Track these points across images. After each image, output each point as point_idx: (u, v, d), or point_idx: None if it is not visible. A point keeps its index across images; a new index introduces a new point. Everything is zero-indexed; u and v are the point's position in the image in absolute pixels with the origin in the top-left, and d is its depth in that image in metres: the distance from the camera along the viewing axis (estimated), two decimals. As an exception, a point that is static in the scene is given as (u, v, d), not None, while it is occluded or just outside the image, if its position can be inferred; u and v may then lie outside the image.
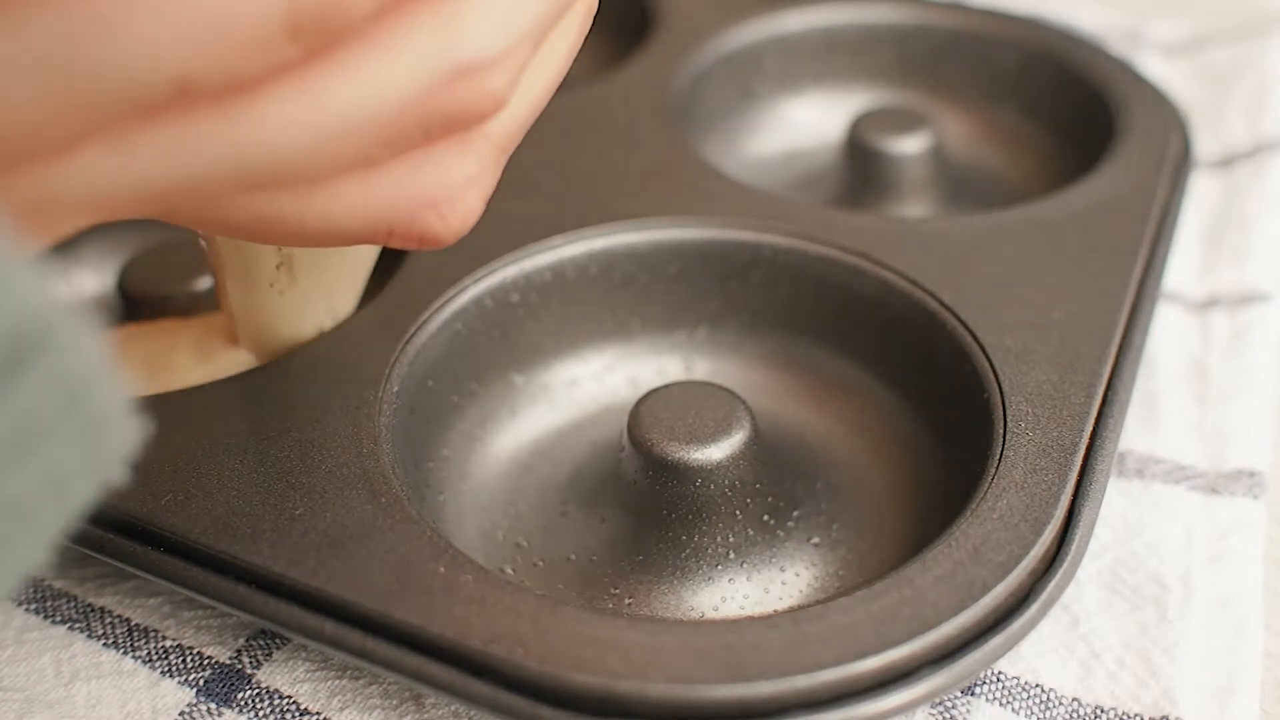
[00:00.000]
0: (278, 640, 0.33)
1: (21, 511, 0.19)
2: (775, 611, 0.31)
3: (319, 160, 0.24)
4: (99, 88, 0.21)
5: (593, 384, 0.39)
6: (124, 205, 0.23)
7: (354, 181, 0.25)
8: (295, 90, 0.23)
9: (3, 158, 0.21)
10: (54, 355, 0.18)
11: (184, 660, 0.33)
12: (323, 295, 0.36)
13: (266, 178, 0.24)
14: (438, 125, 0.25)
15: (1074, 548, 0.30)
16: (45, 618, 0.34)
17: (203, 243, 0.35)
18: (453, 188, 0.26)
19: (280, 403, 0.34)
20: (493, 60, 0.25)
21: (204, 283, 0.40)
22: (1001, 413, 0.33)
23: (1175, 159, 0.44)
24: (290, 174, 0.24)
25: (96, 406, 0.19)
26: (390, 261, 0.38)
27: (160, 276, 0.40)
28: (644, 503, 0.34)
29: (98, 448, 0.19)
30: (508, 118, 0.27)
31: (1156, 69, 0.55)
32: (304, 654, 0.33)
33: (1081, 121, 0.48)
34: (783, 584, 0.34)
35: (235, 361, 0.36)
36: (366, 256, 0.36)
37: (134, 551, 0.31)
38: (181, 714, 0.31)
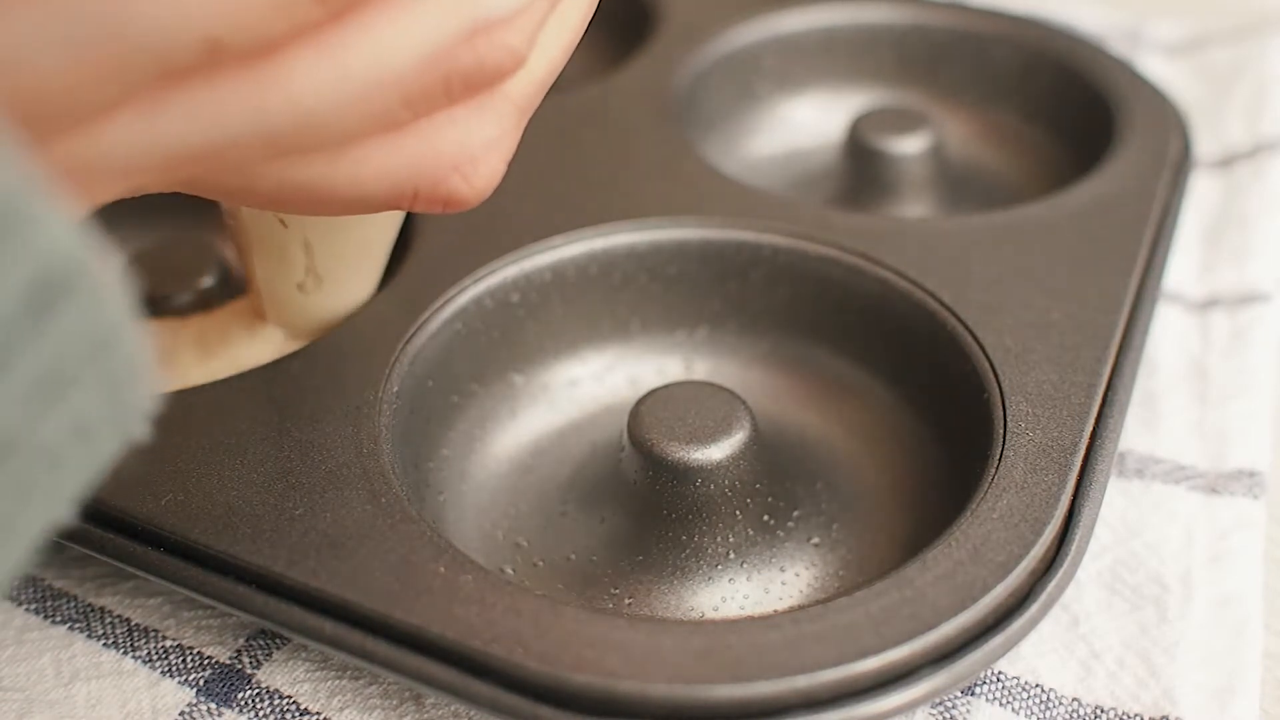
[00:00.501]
0: (278, 640, 0.33)
1: (51, 458, 0.19)
2: (775, 611, 0.31)
3: (345, 120, 0.24)
4: (131, 51, 0.21)
5: (593, 384, 0.39)
6: (156, 172, 0.24)
7: (380, 145, 0.25)
8: (320, 50, 0.23)
9: (39, 127, 0.21)
10: (82, 300, 0.18)
11: (184, 660, 0.33)
12: (347, 285, 0.36)
13: (294, 140, 0.24)
14: (459, 83, 0.25)
15: (1074, 548, 0.30)
16: (45, 618, 0.34)
17: (229, 220, 0.35)
18: (475, 149, 0.27)
19: (280, 403, 0.34)
20: (511, 16, 0.25)
21: (204, 283, 0.40)
22: (1001, 413, 0.33)
23: (1175, 159, 0.44)
24: (317, 136, 0.24)
25: (121, 355, 0.19)
26: (391, 262, 0.38)
27: (160, 276, 0.40)
28: (644, 503, 0.34)
29: (121, 397, 0.19)
30: (526, 78, 0.27)
31: (1156, 69, 0.55)
32: (304, 654, 0.33)
33: (1081, 121, 0.48)
34: (783, 584, 0.34)
35: (240, 359, 0.36)
36: (387, 238, 0.36)
37: (134, 551, 0.31)
38: (181, 714, 0.31)
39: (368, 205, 0.27)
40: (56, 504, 0.20)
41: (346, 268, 0.36)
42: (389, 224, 0.36)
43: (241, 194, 0.26)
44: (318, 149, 0.25)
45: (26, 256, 0.17)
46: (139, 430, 0.20)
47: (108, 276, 0.18)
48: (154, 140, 0.23)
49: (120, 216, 0.43)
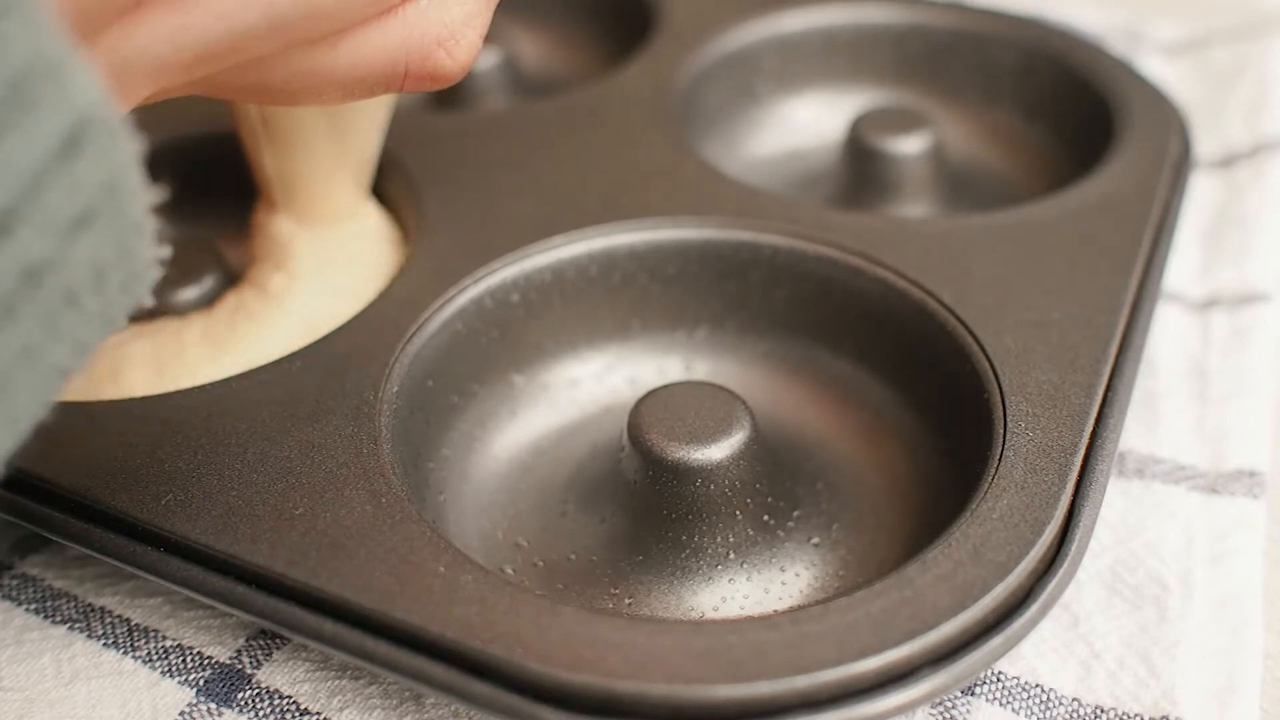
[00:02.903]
0: (278, 640, 0.33)
1: (71, 296, 0.21)
2: (775, 611, 0.31)
3: (344, 6, 0.28)
4: None
5: (593, 384, 0.39)
6: (182, 69, 0.26)
7: (373, 30, 0.29)
8: None
9: (81, 24, 0.23)
10: (102, 143, 0.21)
11: (184, 660, 0.33)
12: (349, 147, 0.39)
13: (301, 30, 0.27)
14: None
15: (1074, 548, 0.30)
16: (45, 618, 0.34)
17: (241, 121, 0.39)
18: (455, 25, 0.30)
19: (280, 403, 0.34)
20: None
21: (204, 283, 0.40)
22: (1001, 413, 0.33)
23: (1175, 159, 0.44)
24: (321, 24, 0.28)
25: (130, 199, 0.22)
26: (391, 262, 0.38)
27: (161, 276, 0.40)
28: (644, 503, 0.34)
29: (129, 244, 0.22)
30: None
31: (1156, 69, 0.55)
32: (304, 654, 0.33)
33: (1081, 121, 0.48)
34: (783, 584, 0.34)
35: (250, 355, 0.36)
36: (378, 117, 0.40)
37: (134, 551, 0.31)
38: (181, 714, 0.31)
39: (366, 88, 0.30)
40: (73, 350, 0.22)
41: (342, 140, 0.39)
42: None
43: (256, 90, 0.29)
44: (321, 37, 0.28)
45: (66, 105, 0.20)
46: (145, 282, 0.23)
47: (121, 124, 0.21)
48: (181, 36, 0.26)
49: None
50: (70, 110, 0.20)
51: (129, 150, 0.21)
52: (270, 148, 0.39)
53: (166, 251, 0.24)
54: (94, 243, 0.21)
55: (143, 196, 0.22)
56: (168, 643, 0.33)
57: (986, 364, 0.35)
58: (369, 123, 0.39)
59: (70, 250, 0.21)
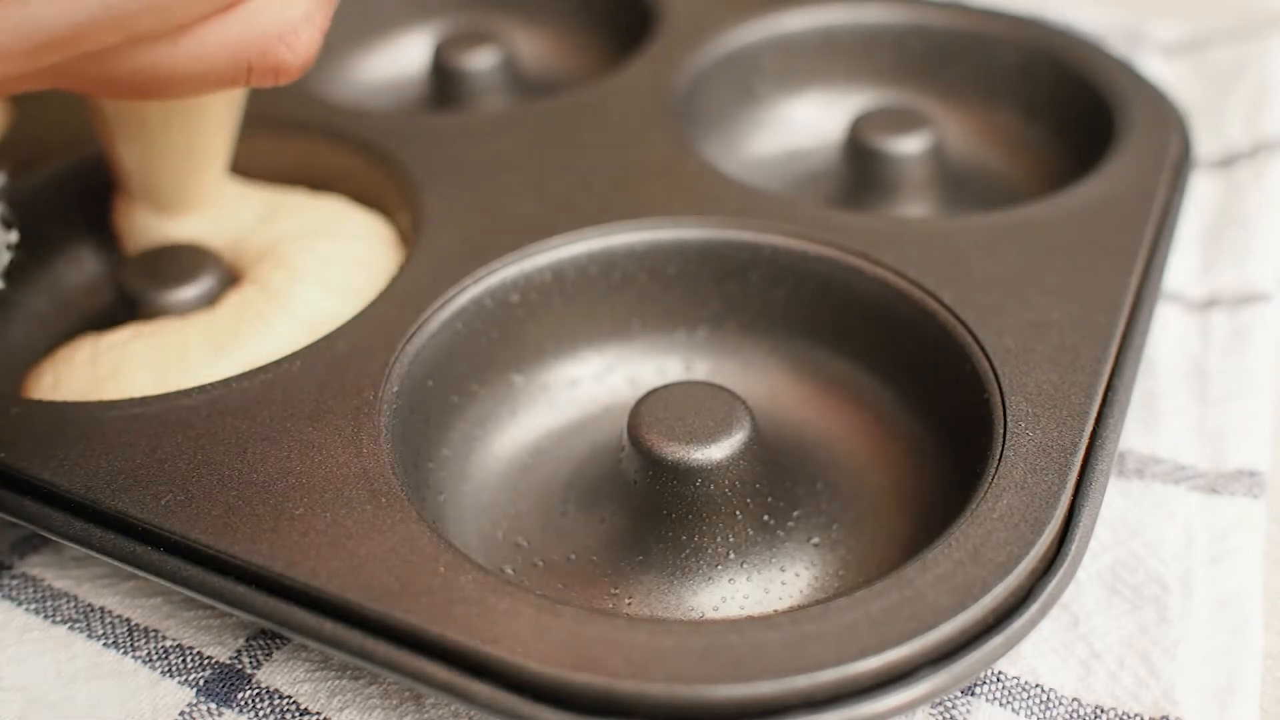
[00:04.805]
0: (278, 640, 0.33)
1: None
2: (775, 611, 0.31)
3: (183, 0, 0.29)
4: None
5: (593, 384, 0.39)
6: (25, 57, 0.28)
7: (214, 26, 0.30)
8: None
9: None
10: None
11: (184, 660, 0.33)
12: (201, 140, 0.40)
13: (142, 23, 0.29)
14: None
15: (1074, 548, 0.30)
16: (45, 618, 0.34)
17: (96, 116, 0.39)
18: (294, 21, 0.31)
19: (280, 403, 0.34)
20: None
21: (204, 283, 0.40)
22: (1001, 413, 0.33)
23: (1175, 159, 0.44)
24: (161, 17, 0.29)
25: None
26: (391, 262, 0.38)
27: (160, 276, 0.40)
28: (644, 503, 0.34)
29: None
30: None
31: (1156, 69, 0.55)
32: (304, 654, 0.33)
33: (1081, 121, 0.48)
34: (783, 584, 0.34)
35: (251, 355, 0.36)
36: (227, 111, 0.40)
37: (134, 551, 0.31)
38: (181, 714, 0.31)
39: (209, 83, 0.31)
40: None
41: (193, 134, 0.40)
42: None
43: (102, 82, 0.31)
44: (163, 32, 0.29)
45: None
46: None
47: None
48: (22, 25, 0.27)
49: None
50: None
51: None
52: (124, 141, 0.40)
53: (15, 236, 0.24)
54: None
55: None
56: (168, 643, 0.33)
57: (986, 364, 0.35)
58: (219, 115, 0.40)
59: None
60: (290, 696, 0.32)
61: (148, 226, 0.42)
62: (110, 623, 0.34)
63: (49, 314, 0.43)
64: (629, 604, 0.33)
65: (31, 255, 0.43)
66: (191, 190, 0.41)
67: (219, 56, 0.31)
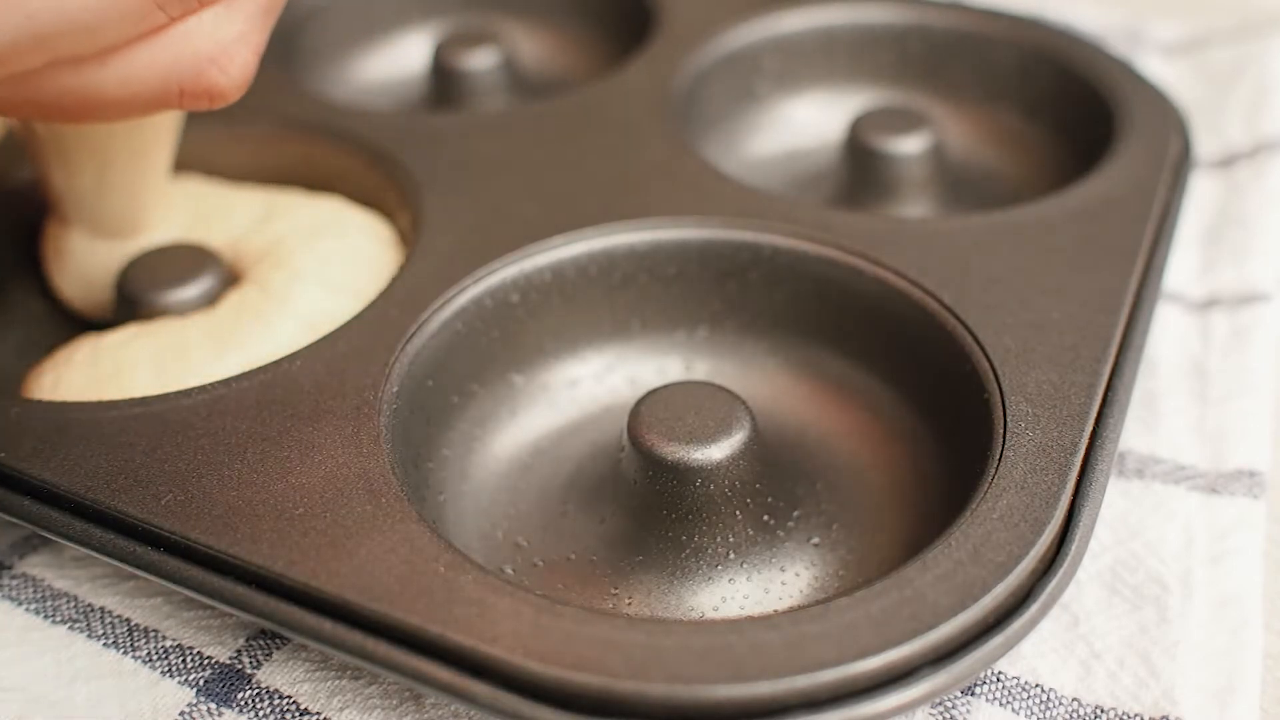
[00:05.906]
0: (278, 640, 0.33)
1: None
2: (775, 611, 0.31)
3: (105, 22, 0.28)
4: None
5: (593, 384, 0.39)
6: None
7: (143, 49, 0.30)
8: None
9: None
10: None
11: (184, 660, 0.33)
12: (135, 163, 0.39)
13: (64, 44, 0.28)
14: None
15: (1074, 548, 0.30)
16: (45, 618, 0.34)
17: (28, 138, 0.39)
18: (226, 44, 0.31)
19: (280, 403, 0.34)
20: None
21: (204, 283, 0.40)
22: (1001, 413, 0.33)
23: (1175, 159, 0.44)
24: (83, 39, 0.28)
25: None
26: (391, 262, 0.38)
27: (160, 276, 0.40)
28: (644, 503, 0.34)
29: None
30: None
31: (1156, 69, 0.55)
32: (304, 654, 0.33)
33: (1081, 121, 0.48)
34: (783, 584, 0.34)
35: (251, 354, 0.36)
36: (165, 133, 0.39)
37: (134, 551, 0.31)
38: (181, 714, 0.31)
39: (140, 106, 0.31)
40: None
41: (129, 157, 0.39)
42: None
43: (33, 106, 0.30)
44: (88, 54, 0.29)
45: None
46: None
47: None
48: None
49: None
50: None
51: None
52: (57, 164, 0.39)
53: None
54: None
55: None
56: (168, 643, 0.33)
57: (986, 364, 0.35)
58: (154, 139, 0.39)
59: None
60: (290, 696, 0.32)
61: (82, 250, 0.41)
62: (110, 623, 0.34)
63: (49, 314, 0.43)
64: (629, 604, 0.33)
65: (30, 255, 0.43)
66: (125, 215, 0.41)
67: (148, 79, 0.30)
